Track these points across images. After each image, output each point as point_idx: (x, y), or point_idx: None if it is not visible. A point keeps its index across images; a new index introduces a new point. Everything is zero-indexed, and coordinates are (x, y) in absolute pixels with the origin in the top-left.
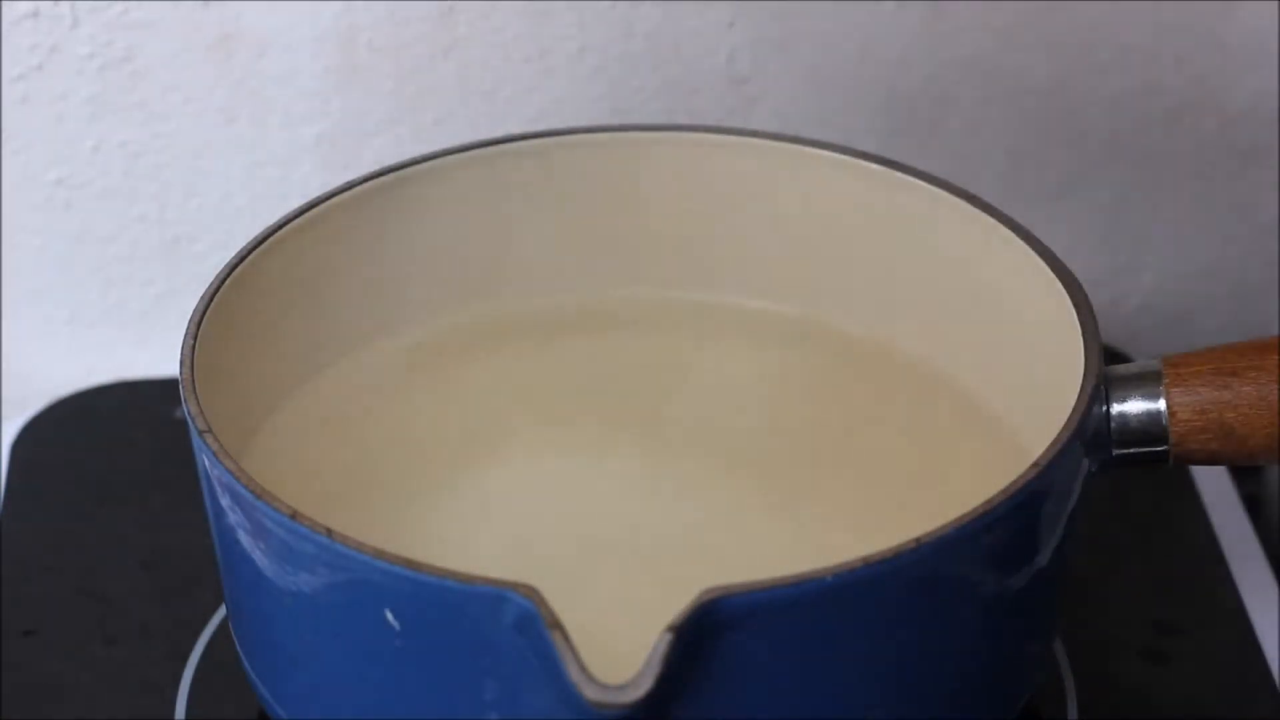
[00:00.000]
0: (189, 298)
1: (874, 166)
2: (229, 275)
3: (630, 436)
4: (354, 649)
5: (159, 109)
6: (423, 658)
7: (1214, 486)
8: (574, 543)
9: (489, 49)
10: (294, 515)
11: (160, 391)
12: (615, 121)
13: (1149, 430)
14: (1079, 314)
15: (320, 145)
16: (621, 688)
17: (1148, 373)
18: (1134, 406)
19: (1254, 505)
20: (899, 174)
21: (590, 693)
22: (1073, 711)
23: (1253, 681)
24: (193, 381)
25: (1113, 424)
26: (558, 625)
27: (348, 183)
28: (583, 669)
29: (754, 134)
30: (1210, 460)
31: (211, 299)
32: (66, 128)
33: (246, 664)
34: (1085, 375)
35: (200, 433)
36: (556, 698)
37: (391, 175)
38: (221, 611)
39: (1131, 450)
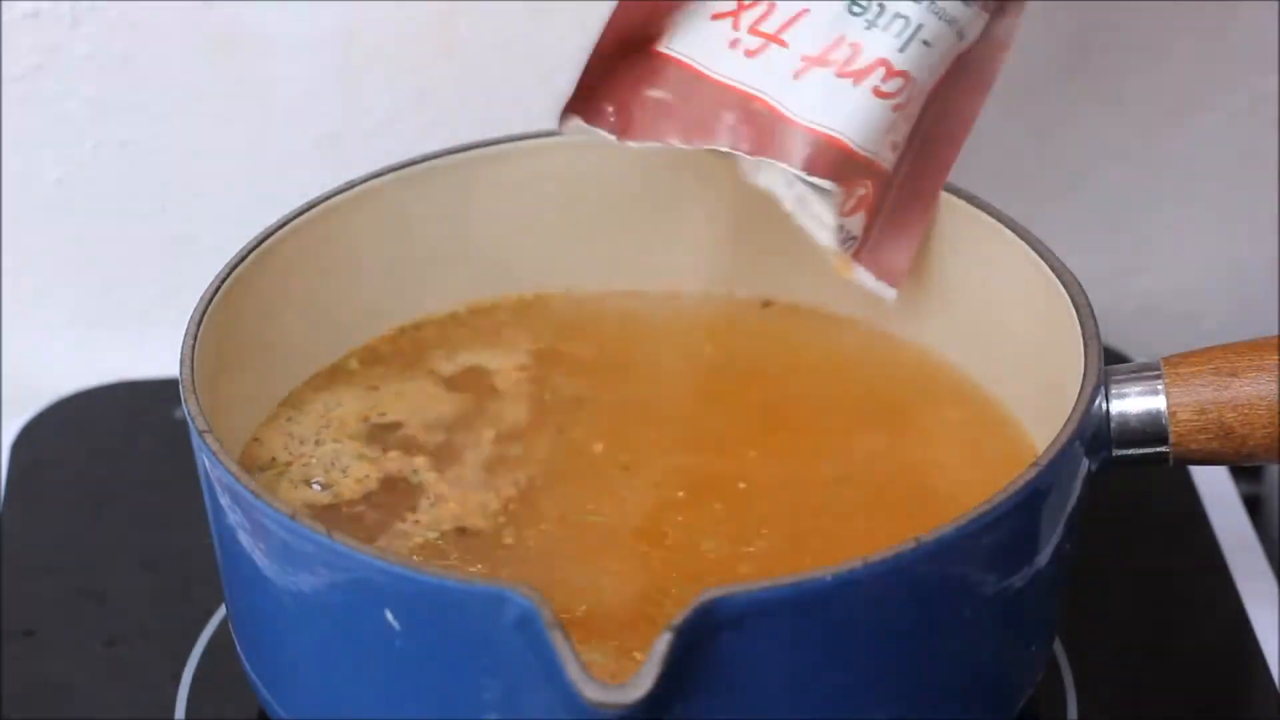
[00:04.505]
0: (189, 298)
1: None
2: (229, 275)
3: (630, 433)
4: (354, 649)
5: (159, 109)
6: (423, 658)
7: (1214, 486)
8: (574, 542)
9: (489, 49)
10: (294, 515)
11: (160, 391)
12: None
13: (1149, 430)
14: (1079, 314)
15: (320, 145)
16: (621, 688)
17: (1148, 373)
18: (1134, 406)
19: (1254, 505)
20: None
21: (590, 693)
22: (1073, 711)
23: (1253, 681)
24: (193, 381)
25: (1113, 424)
26: (558, 625)
27: (348, 183)
28: (583, 669)
29: None
30: (1210, 460)
31: (211, 299)
32: (66, 128)
33: (246, 664)
34: (1085, 375)
35: (200, 433)
36: (556, 698)
37: (391, 175)
38: (221, 611)
39: (1131, 450)
